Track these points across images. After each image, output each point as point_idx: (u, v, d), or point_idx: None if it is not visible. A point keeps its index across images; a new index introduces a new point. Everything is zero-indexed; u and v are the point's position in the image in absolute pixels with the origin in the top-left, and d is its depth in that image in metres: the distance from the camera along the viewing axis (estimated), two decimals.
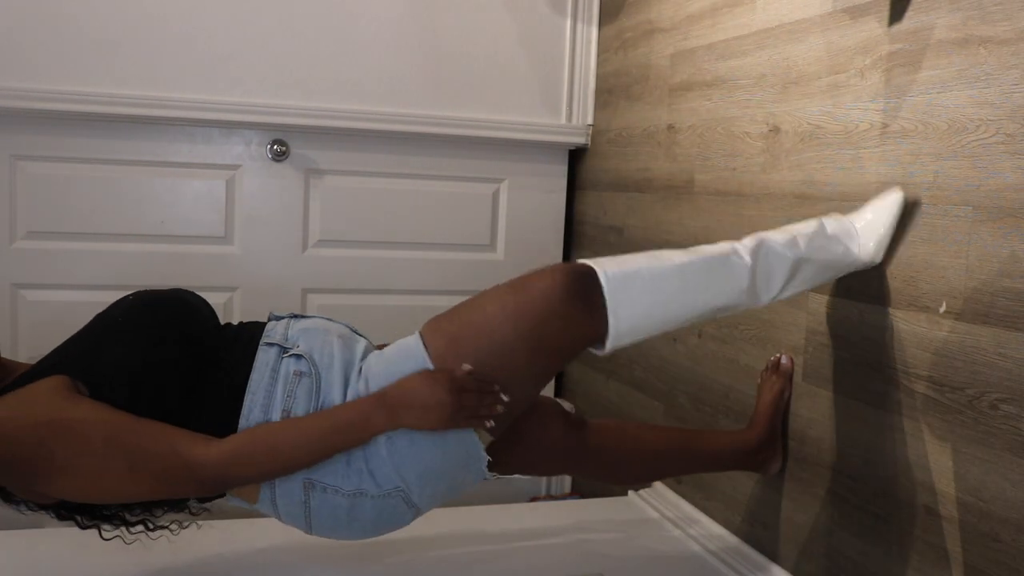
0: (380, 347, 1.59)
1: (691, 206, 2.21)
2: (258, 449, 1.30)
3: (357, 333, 1.53)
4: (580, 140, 2.79)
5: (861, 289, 1.64)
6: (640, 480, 2.29)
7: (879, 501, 1.59)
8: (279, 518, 1.42)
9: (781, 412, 1.83)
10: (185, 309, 1.44)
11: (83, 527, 1.43)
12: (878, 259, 1.56)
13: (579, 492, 2.79)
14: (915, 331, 1.51)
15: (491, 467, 1.43)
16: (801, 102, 1.81)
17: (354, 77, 2.60)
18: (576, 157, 2.88)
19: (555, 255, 2.88)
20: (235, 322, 1.53)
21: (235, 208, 2.57)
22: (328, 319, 1.52)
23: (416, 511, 1.43)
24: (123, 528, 1.46)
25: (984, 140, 1.39)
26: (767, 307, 1.54)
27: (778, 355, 1.85)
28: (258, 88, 2.51)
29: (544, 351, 1.39)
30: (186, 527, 1.58)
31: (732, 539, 1.99)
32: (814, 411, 1.76)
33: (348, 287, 2.69)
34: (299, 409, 1.35)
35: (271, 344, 1.41)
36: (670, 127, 2.32)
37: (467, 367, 1.34)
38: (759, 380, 1.89)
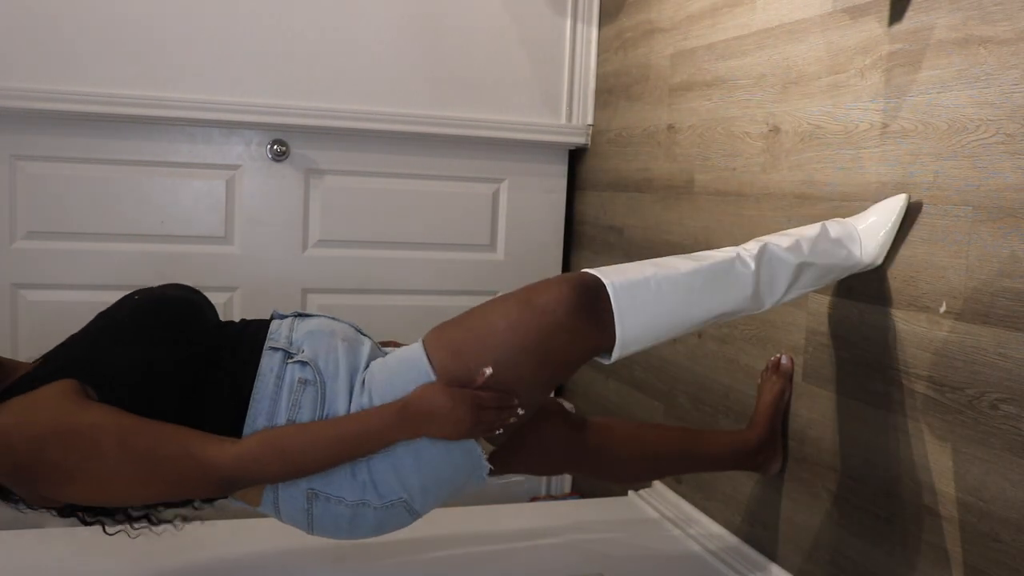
0: (387, 344, 1.58)
1: (691, 206, 2.21)
2: (274, 454, 1.29)
3: (362, 333, 1.52)
4: (580, 140, 2.79)
5: (861, 289, 1.64)
6: (640, 479, 2.29)
7: (879, 501, 1.59)
8: (280, 520, 1.42)
9: (781, 412, 1.83)
10: (191, 309, 1.44)
11: (86, 523, 1.42)
12: (879, 261, 1.56)
13: (579, 492, 2.79)
14: (915, 331, 1.51)
15: (491, 472, 1.44)
16: (801, 102, 1.81)
17: (354, 77, 2.60)
18: (576, 157, 2.88)
19: (555, 255, 2.88)
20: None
21: (235, 208, 2.57)
22: (333, 318, 1.51)
23: (417, 516, 1.43)
24: (127, 524, 1.45)
25: (984, 140, 1.39)
26: (768, 311, 1.55)
27: (778, 355, 1.86)
28: (258, 88, 2.51)
29: (550, 363, 1.38)
30: (189, 522, 1.57)
31: (732, 539, 1.99)
32: (814, 411, 1.76)
33: (348, 287, 2.69)
34: (303, 418, 1.34)
35: (276, 348, 1.40)
36: (670, 127, 2.32)
37: (488, 371, 1.33)
38: (759, 380, 1.89)
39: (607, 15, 2.73)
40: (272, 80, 2.52)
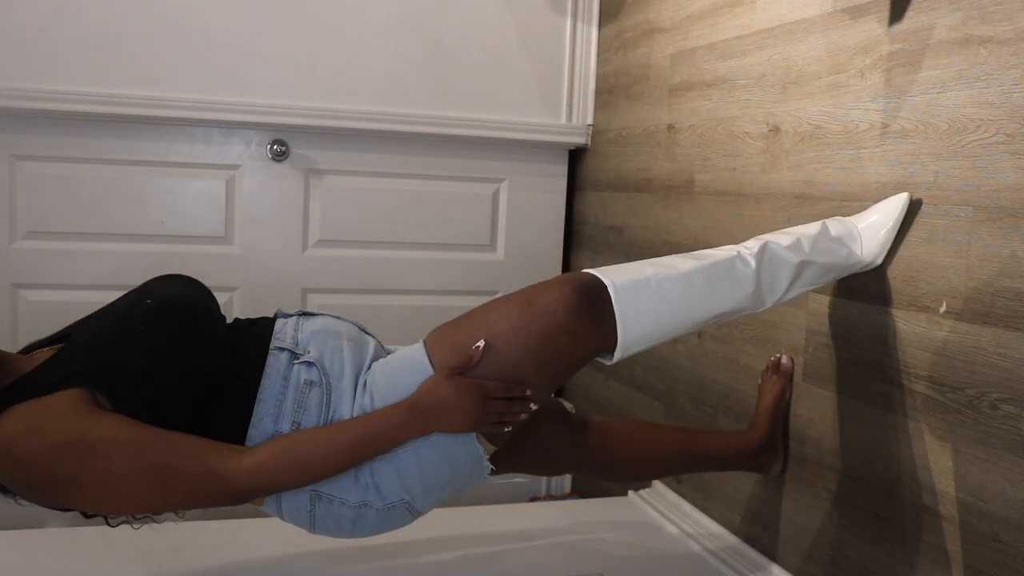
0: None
1: (691, 206, 2.21)
2: (291, 465, 1.28)
3: (365, 332, 1.52)
4: (580, 140, 2.79)
5: (861, 289, 1.64)
6: (640, 479, 2.29)
7: (879, 501, 1.59)
8: (282, 518, 1.42)
9: (782, 413, 1.83)
10: (203, 312, 1.42)
11: (88, 516, 1.42)
12: (879, 260, 1.56)
13: (579, 492, 2.79)
14: (915, 331, 1.51)
15: (492, 472, 1.44)
16: (801, 102, 1.81)
17: (354, 77, 2.60)
18: (576, 157, 2.88)
19: (555, 255, 2.88)
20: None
21: (235, 208, 2.57)
22: (337, 317, 1.50)
23: (418, 515, 1.43)
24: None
25: (984, 140, 1.39)
26: (769, 309, 1.55)
27: (778, 355, 1.85)
28: (258, 88, 2.51)
29: (552, 364, 1.38)
30: (191, 511, 1.56)
31: (732, 539, 1.99)
32: (814, 411, 1.76)
33: (348, 287, 2.68)
34: (309, 421, 1.34)
35: (282, 349, 1.39)
36: (670, 127, 2.32)
37: (481, 344, 1.33)
38: (759, 380, 1.89)
39: (607, 15, 2.73)
40: (272, 80, 2.52)
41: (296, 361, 1.38)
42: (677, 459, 1.82)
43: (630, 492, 2.34)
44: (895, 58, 1.57)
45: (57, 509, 1.34)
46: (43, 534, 1.88)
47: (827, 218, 1.61)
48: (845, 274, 1.59)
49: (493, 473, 1.44)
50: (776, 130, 1.89)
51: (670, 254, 1.51)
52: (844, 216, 1.62)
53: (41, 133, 2.39)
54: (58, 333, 1.42)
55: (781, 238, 1.52)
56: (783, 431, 1.83)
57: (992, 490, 1.37)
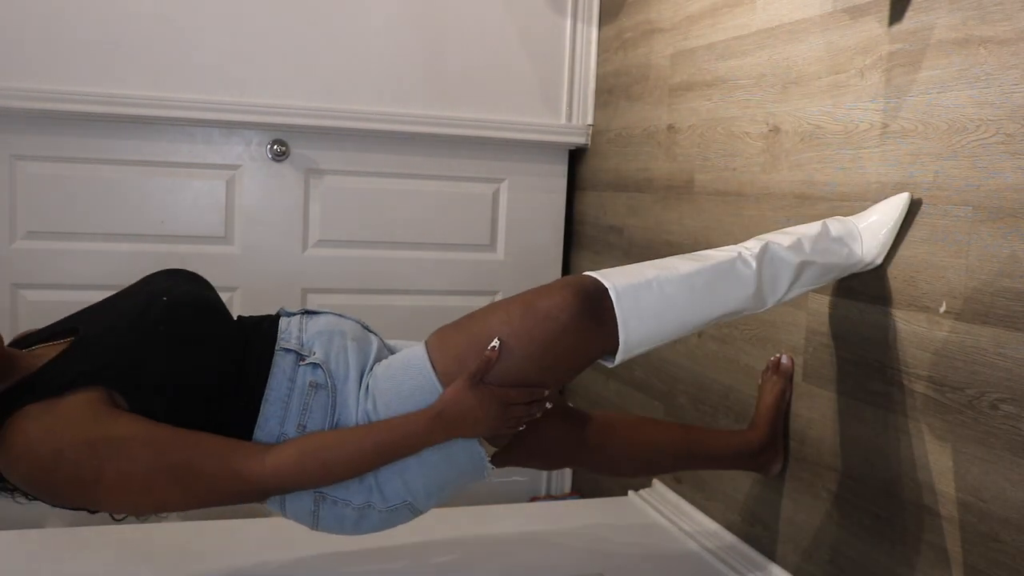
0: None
1: (691, 206, 2.21)
2: (314, 466, 1.29)
3: (369, 330, 1.52)
4: (580, 140, 2.79)
5: (861, 289, 1.64)
6: (640, 475, 2.29)
7: (879, 501, 1.59)
8: (284, 515, 1.42)
9: (782, 413, 1.83)
10: (215, 311, 1.42)
11: (92, 511, 1.42)
12: (880, 260, 1.56)
13: (579, 492, 2.79)
14: (915, 331, 1.51)
15: (492, 468, 1.44)
16: (801, 102, 1.81)
17: (354, 77, 2.60)
18: (576, 157, 2.88)
19: (555, 255, 2.88)
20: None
21: (235, 208, 2.57)
22: (340, 316, 1.50)
23: (420, 514, 1.44)
24: None
25: (984, 140, 1.39)
26: (770, 309, 1.55)
27: (778, 355, 1.85)
28: (258, 88, 2.51)
29: (554, 368, 1.38)
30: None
31: (732, 539, 1.99)
32: (814, 411, 1.76)
33: (348, 287, 2.68)
34: (315, 424, 1.34)
35: (287, 350, 1.39)
36: (670, 127, 2.32)
37: (496, 343, 1.33)
38: (759, 380, 1.89)
39: (607, 15, 2.73)
40: (272, 80, 2.52)
41: (302, 363, 1.38)
42: (677, 457, 1.82)
43: (630, 492, 2.34)
44: (895, 58, 1.57)
45: (69, 508, 1.33)
46: (43, 534, 1.88)
47: (827, 218, 1.61)
48: (845, 274, 1.59)
49: (493, 469, 1.44)
50: (776, 130, 1.89)
51: (670, 254, 1.52)
52: (844, 216, 1.62)
53: (41, 133, 2.39)
54: (58, 327, 1.41)
55: (782, 238, 1.52)
56: (783, 431, 1.83)
57: (992, 490, 1.37)
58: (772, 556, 1.88)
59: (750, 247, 1.49)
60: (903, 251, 1.55)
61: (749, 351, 1.97)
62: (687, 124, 2.24)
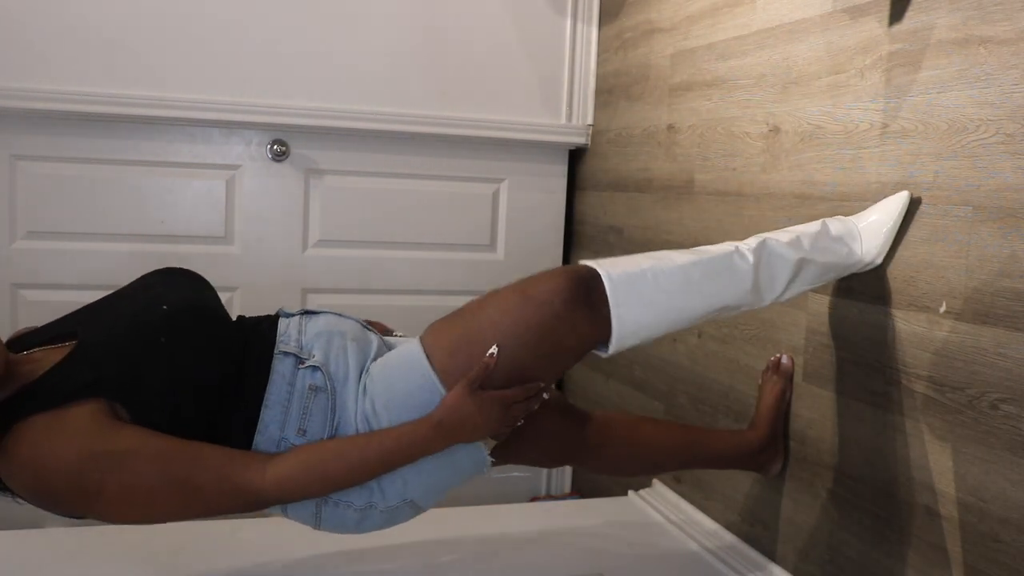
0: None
1: (691, 206, 2.21)
2: (315, 477, 1.29)
3: (368, 329, 1.52)
4: (580, 140, 2.79)
5: (861, 289, 1.64)
6: (639, 475, 2.29)
7: (879, 501, 1.59)
8: (286, 516, 1.42)
9: (783, 413, 1.83)
10: (215, 317, 1.42)
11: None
12: (879, 260, 1.56)
13: (579, 492, 2.79)
14: (915, 331, 1.51)
15: (492, 464, 1.45)
16: (801, 102, 1.81)
17: (354, 77, 2.60)
18: (576, 157, 2.88)
19: (555, 255, 2.88)
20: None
21: (235, 208, 2.57)
22: (339, 315, 1.49)
23: (420, 512, 1.44)
24: None
25: (984, 140, 1.39)
26: (768, 307, 1.55)
27: (778, 355, 1.85)
28: (258, 88, 2.51)
29: (549, 356, 1.38)
30: None
31: (732, 538, 1.99)
32: (814, 411, 1.76)
33: (348, 287, 2.68)
34: (314, 427, 1.34)
35: (287, 353, 1.38)
36: (670, 127, 2.32)
37: (494, 350, 1.33)
38: (759, 380, 1.89)
39: (607, 15, 2.73)
40: (272, 80, 2.52)
41: (301, 366, 1.37)
42: (677, 457, 1.82)
43: (630, 492, 2.34)
44: (895, 58, 1.57)
45: (74, 517, 1.33)
46: (43, 534, 1.88)
47: (827, 217, 1.61)
48: (845, 273, 1.59)
49: (492, 464, 1.45)
50: (776, 130, 1.89)
51: None
52: (844, 216, 1.62)
53: (41, 133, 2.39)
54: (56, 328, 1.39)
55: (781, 235, 1.51)
56: (783, 431, 1.83)
57: (992, 490, 1.37)
58: (772, 556, 1.88)
59: (748, 243, 1.49)
60: (903, 251, 1.55)
61: (749, 351, 1.97)
62: (687, 124, 2.24)
